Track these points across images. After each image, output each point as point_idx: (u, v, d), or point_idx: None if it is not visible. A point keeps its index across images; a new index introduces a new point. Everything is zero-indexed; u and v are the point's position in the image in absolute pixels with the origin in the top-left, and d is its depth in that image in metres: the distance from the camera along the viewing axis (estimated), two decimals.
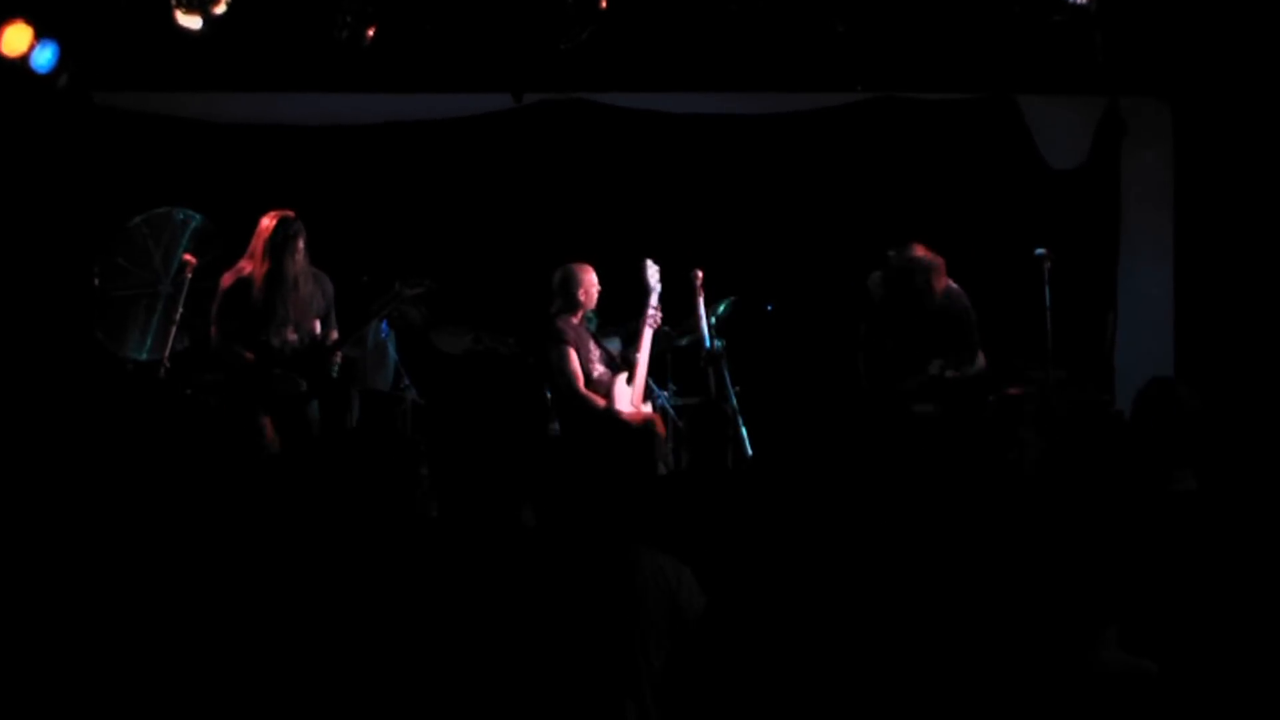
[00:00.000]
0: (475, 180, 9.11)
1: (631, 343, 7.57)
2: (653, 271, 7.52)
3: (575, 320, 7.44)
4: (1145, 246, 9.11)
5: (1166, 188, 9.05)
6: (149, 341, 7.85)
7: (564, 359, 7.31)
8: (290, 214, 7.00)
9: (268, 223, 6.98)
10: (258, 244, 6.97)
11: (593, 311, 7.58)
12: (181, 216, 7.93)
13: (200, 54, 8.07)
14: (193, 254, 7.54)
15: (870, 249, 7.51)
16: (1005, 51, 8.40)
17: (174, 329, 7.35)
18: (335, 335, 7.10)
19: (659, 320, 7.51)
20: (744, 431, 7.47)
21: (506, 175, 9.12)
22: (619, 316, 7.83)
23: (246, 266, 7.00)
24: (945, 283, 7.30)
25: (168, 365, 7.26)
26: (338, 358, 7.04)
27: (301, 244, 6.97)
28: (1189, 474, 4.06)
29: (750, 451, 7.43)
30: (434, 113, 8.97)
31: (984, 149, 9.07)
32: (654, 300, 7.49)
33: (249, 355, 6.89)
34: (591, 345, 7.48)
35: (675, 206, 9.09)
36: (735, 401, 7.58)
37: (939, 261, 7.28)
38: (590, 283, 7.45)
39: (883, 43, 8.33)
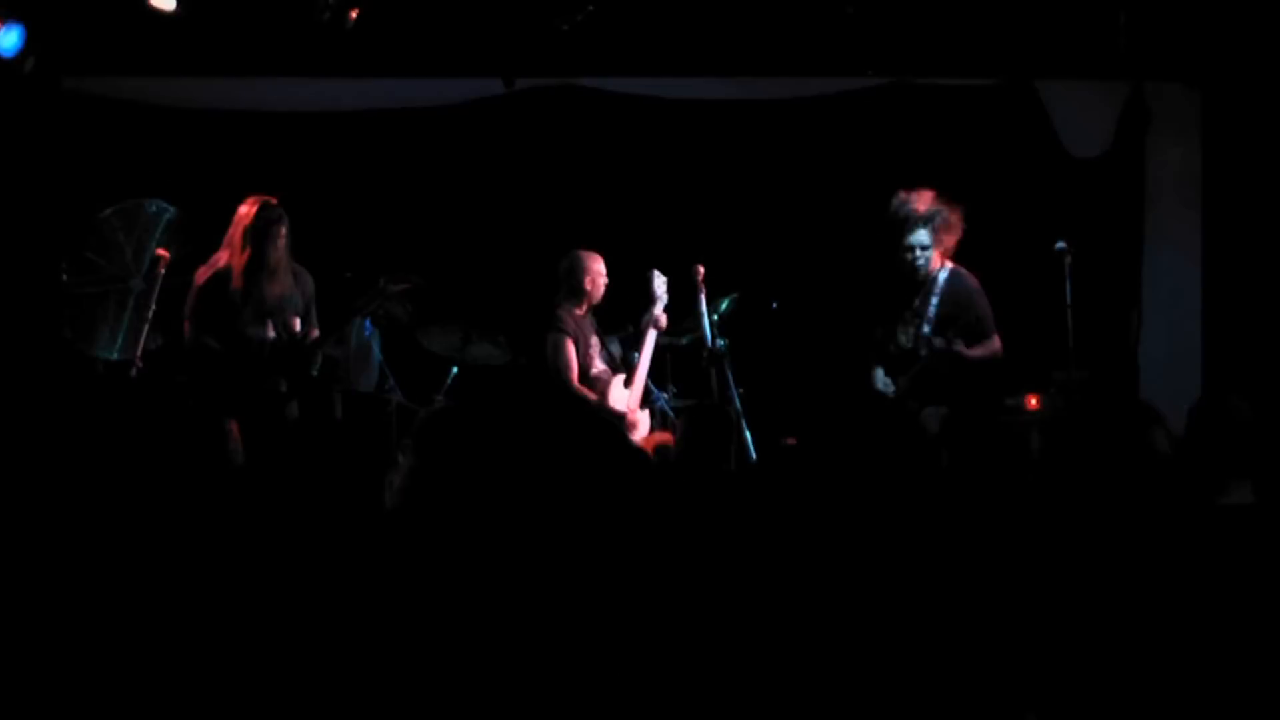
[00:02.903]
0: (464, 170, 9.10)
1: (631, 347, 7.59)
2: (659, 282, 7.54)
3: (580, 311, 7.45)
4: (1171, 239, 9.11)
5: (1194, 178, 9.05)
6: (120, 340, 7.85)
7: (559, 349, 7.32)
8: (271, 200, 6.98)
9: (247, 209, 6.94)
10: (236, 232, 6.93)
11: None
12: (154, 209, 7.92)
13: (175, 37, 8.09)
14: (166, 248, 7.54)
15: (880, 243, 7.51)
16: (1024, 34, 8.40)
17: (146, 327, 7.35)
18: (316, 334, 7.09)
19: (663, 326, 7.56)
20: (748, 435, 7.48)
21: (497, 165, 9.11)
22: (616, 313, 7.84)
23: (223, 258, 6.96)
24: (944, 255, 7.27)
25: (140, 365, 7.26)
26: (318, 357, 7.03)
27: (284, 232, 6.94)
28: (1247, 486, 4.09)
29: (754, 456, 7.44)
30: (420, 99, 8.96)
31: (1002, 137, 9.06)
32: (658, 309, 7.52)
33: (223, 353, 6.87)
34: (594, 340, 7.49)
35: (675, 198, 9.09)
36: (739, 404, 7.58)
37: (932, 207, 7.23)
38: (597, 272, 7.47)
39: (895, 25, 8.33)
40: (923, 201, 7.21)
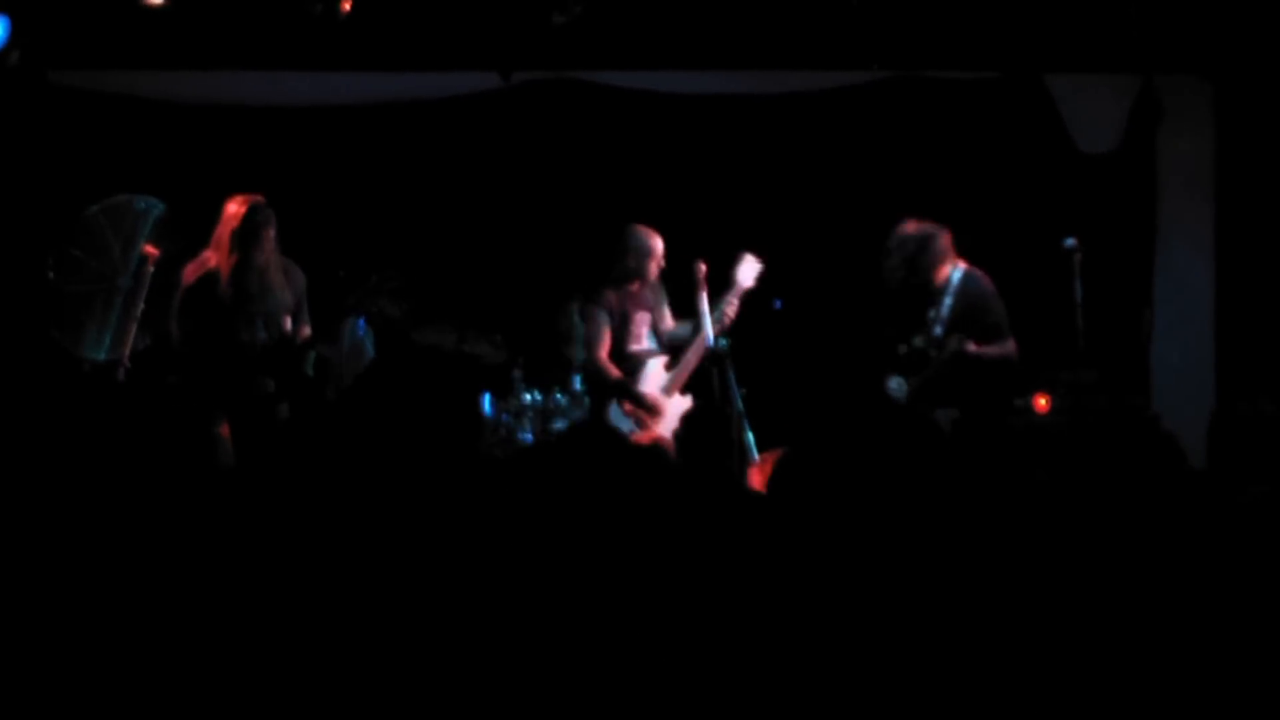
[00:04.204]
0: (459, 166, 9.09)
1: (692, 333, 7.53)
2: (748, 268, 7.44)
3: (634, 288, 7.42)
4: (1184, 237, 9.10)
5: (1207, 173, 9.04)
6: (108, 340, 7.83)
7: (592, 320, 7.32)
8: (259, 199, 6.99)
9: (234, 209, 6.96)
10: (224, 232, 6.96)
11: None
12: (142, 205, 7.90)
13: (163, 29, 8.08)
14: (154, 245, 7.53)
15: (885, 240, 7.51)
16: (1032, 26, 8.39)
17: (134, 326, 7.35)
18: (307, 332, 7.10)
19: (731, 315, 7.47)
20: (750, 437, 7.46)
21: (493, 160, 9.10)
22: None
23: (211, 258, 6.97)
24: (951, 263, 7.26)
25: (128, 365, 7.26)
26: (311, 357, 7.04)
27: (271, 233, 6.96)
28: None
29: (757, 458, 7.42)
30: (415, 93, 8.95)
31: (1009, 132, 9.04)
32: (733, 297, 7.46)
33: (212, 354, 6.88)
34: (641, 317, 7.43)
35: (676, 194, 9.07)
36: (741, 405, 7.56)
37: (932, 231, 7.23)
38: (654, 250, 7.43)
39: (900, 17, 8.32)
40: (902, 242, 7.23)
